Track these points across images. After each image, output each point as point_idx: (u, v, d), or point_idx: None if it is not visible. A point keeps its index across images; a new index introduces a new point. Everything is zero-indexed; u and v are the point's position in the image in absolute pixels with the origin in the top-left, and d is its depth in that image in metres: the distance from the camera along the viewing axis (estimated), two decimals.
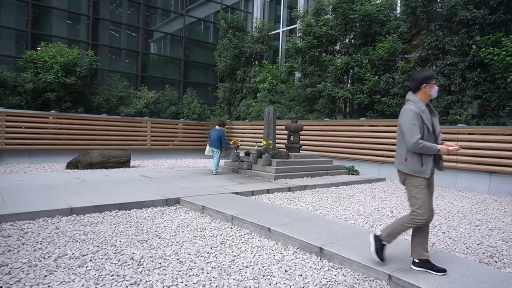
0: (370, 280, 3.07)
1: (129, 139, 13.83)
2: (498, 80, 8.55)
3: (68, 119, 12.33)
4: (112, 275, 2.97)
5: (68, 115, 12.35)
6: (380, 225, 4.93)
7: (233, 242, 3.99)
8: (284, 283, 2.96)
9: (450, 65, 9.34)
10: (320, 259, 3.54)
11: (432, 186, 3.14)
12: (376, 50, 10.96)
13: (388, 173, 10.30)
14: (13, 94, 11.93)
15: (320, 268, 3.30)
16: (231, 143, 9.82)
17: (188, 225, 4.61)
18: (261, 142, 9.67)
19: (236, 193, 6.60)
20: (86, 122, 12.73)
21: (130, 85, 14.85)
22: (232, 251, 3.67)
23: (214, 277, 3.02)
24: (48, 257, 3.32)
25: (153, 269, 3.14)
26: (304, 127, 11.35)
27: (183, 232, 4.31)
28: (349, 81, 12.57)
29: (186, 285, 2.86)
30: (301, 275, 3.14)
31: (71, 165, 10.00)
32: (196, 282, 2.92)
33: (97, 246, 3.67)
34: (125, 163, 10.71)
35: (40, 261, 3.22)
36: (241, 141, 14.72)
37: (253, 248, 3.81)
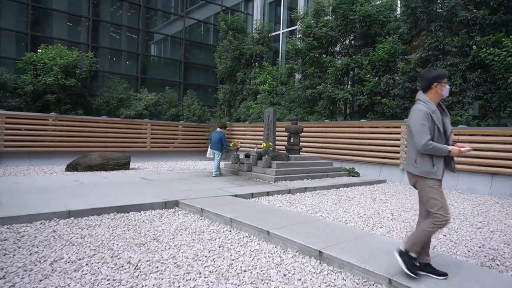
0: (370, 284, 3.03)
1: (129, 141, 13.81)
2: (499, 81, 8.51)
3: (68, 121, 12.31)
4: (108, 280, 2.93)
5: (68, 117, 12.33)
6: (380, 227, 4.88)
7: (231, 245, 3.95)
8: None
9: (451, 66, 9.30)
10: (320, 262, 3.49)
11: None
12: (376, 51, 10.92)
13: (388, 175, 10.24)
14: (12, 96, 11.92)
15: (320, 272, 3.26)
16: (231, 145, 9.79)
17: (186, 228, 4.57)
18: (261, 144, 9.63)
19: (236, 196, 6.56)
20: (85, 124, 12.71)
21: (130, 87, 14.84)
22: (231, 255, 3.63)
23: (211, 282, 2.98)
24: (44, 261, 3.28)
25: (150, 273, 3.10)
26: (305, 128, 11.31)
27: (181, 235, 4.26)
28: (349, 83, 12.54)
29: None
30: (300, 279, 3.09)
31: (71, 168, 9.97)
32: (193, 287, 2.87)
33: (94, 249, 3.63)
34: (124, 165, 10.68)
35: (36, 265, 3.18)
36: (242, 143, 14.68)
37: (252, 251, 3.77)
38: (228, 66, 16.14)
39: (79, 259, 3.35)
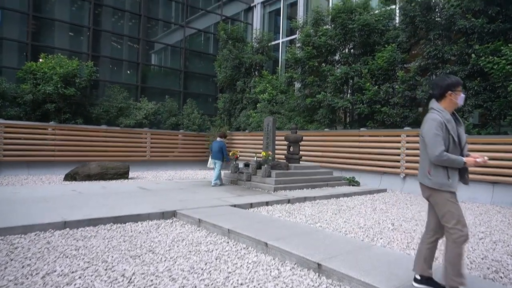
0: None
1: (129, 151, 13.76)
2: (498, 89, 8.48)
3: (67, 130, 12.29)
4: None
5: (67, 126, 12.31)
6: (380, 238, 4.80)
7: (228, 257, 3.87)
8: None
9: (450, 74, 9.28)
10: (318, 275, 3.41)
11: None
12: (376, 59, 10.93)
13: (389, 184, 10.16)
14: (12, 105, 11.92)
15: (318, 286, 3.17)
16: (230, 154, 9.74)
17: (183, 240, 4.49)
18: (261, 153, 9.58)
19: (234, 206, 6.48)
20: (85, 133, 12.69)
21: (130, 96, 14.85)
22: (227, 267, 3.55)
23: None
24: (36, 274, 3.20)
25: (144, 286, 3.02)
26: (304, 137, 11.27)
27: (177, 246, 4.19)
28: (349, 91, 12.53)
29: None
30: None
31: (69, 177, 9.91)
32: None
33: (88, 262, 3.56)
34: (123, 175, 10.62)
35: (27, 278, 3.11)
36: (242, 151, 14.63)
37: (249, 263, 3.69)
38: (228, 75, 16.18)
39: (72, 272, 3.27)
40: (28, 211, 5.32)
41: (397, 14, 11.85)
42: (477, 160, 2.77)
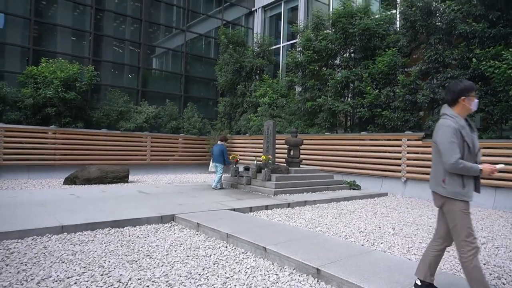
0: None
1: (129, 154, 13.74)
2: (500, 93, 8.44)
3: (68, 134, 12.28)
4: None
5: (68, 130, 12.31)
6: (381, 243, 4.74)
7: (226, 262, 3.82)
8: None
9: (451, 78, 9.25)
10: (318, 281, 3.36)
11: None
12: (376, 64, 10.92)
13: (390, 188, 10.10)
14: (12, 109, 11.93)
15: None
16: (230, 158, 9.71)
17: (181, 244, 4.45)
18: (261, 157, 9.54)
19: (234, 210, 6.44)
20: (85, 137, 12.68)
21: (130, 100, 14.86)
22: (225, 272, 3.50)
23: None
24: (31, 279, 3.16)
25: None
26: (305, 141, 11.23)
27: (175, 251, 4.14)
28: (350, 95, 12.50)
29: None
30: None
31: (69, 181, 9.89)
32: None
33: (84, 267, 3.52)
34: (123, 179, 10.58)
35: (22, 284, 3.07)
36: (242, 155, 14.59)
37: (248, 268, 3.64)
38: (229, 79, 16.19)
39: (68, 278, 3.23)
40: (26, 215, 5.29)
41: (398, 19, 11.85)
42: (497, 167, 2.66)
